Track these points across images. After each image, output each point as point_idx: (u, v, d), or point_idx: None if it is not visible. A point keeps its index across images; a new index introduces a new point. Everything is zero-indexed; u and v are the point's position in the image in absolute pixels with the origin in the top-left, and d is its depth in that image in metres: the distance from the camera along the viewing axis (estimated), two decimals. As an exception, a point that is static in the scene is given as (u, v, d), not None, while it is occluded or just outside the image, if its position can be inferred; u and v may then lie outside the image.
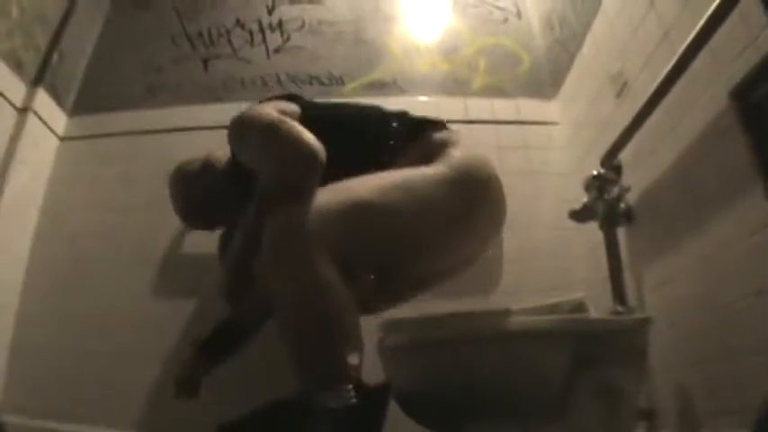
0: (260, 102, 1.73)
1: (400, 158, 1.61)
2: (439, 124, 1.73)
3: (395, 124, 1.71)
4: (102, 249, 2.58)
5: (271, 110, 1.60)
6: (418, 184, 1.49)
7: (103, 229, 2.62)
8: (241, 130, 1.65)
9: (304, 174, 1.41)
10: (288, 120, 1.51)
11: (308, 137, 1.43)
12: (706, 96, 1.65)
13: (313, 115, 1.65)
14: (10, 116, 2.54)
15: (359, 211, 1.40)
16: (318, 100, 1.94)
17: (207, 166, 2.00)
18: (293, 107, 1.68)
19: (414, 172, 1.53)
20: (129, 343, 2.36)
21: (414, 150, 1.63)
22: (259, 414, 1.16)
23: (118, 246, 2.59)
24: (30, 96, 2.64)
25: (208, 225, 2.12)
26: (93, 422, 2.21)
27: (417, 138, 1.67)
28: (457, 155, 1.59)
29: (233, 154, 1.80)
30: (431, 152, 1.60)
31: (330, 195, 1.39)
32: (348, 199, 1.40)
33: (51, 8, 2.85)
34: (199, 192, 2.01)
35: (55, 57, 2.81)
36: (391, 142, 1.65)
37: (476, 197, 1.58)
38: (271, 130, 1.50)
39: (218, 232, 2.30)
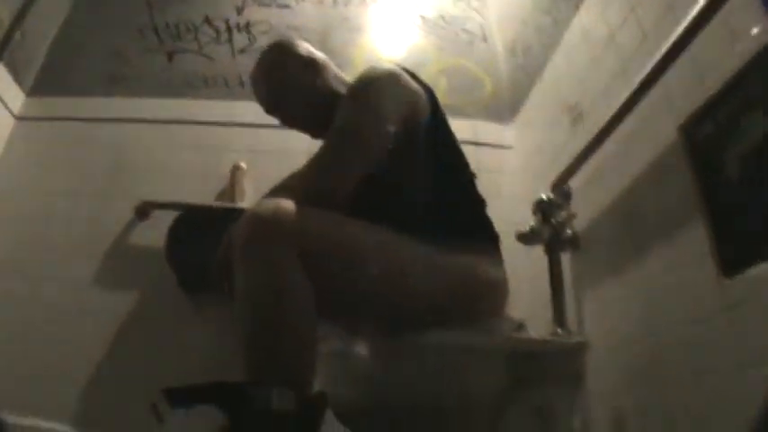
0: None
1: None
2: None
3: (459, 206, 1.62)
4: (47, 235, 2.55)
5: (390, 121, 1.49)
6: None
7: (50, 215, 2.59)
8: (364, 95, 1.53)
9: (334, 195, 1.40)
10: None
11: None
12: (656, 130, 1.69)
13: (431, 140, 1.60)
14: (-35, 90, 2.46)
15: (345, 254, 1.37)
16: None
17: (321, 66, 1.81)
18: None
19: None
20: (66, 331, 2.33)
21: None
22: (201, 388, 1.13)
23: (63, 232, 2.56)
24: (-12, 72, 2.57)
25: (290, 121, 1.84)
26: (24, 411, 2.14)
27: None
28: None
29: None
30: None
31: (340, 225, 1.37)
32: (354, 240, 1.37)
33: None
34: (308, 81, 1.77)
35: (18, 35, 2.75)
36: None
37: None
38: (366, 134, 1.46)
39: (165, 225, 2.29)
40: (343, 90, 1.68)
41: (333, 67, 1.83)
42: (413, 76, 1.64)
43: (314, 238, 1.29)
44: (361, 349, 1.48)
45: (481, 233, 1.61)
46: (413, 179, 1.53)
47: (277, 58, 1.78)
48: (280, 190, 1.61)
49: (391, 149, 1.46)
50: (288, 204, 1.29)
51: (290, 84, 1.74)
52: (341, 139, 1.45)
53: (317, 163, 1.45)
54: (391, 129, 1.46)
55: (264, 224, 1.26)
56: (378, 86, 1.52)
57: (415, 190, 1.53)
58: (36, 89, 2.92)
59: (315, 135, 1.81)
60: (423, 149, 1.56)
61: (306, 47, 1.82)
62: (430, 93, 1.66)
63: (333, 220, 1.35)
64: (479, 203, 1.68)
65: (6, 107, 2.73)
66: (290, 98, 1.74)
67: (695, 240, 1.48)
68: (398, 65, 1.65)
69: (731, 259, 1.37)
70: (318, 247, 1.29)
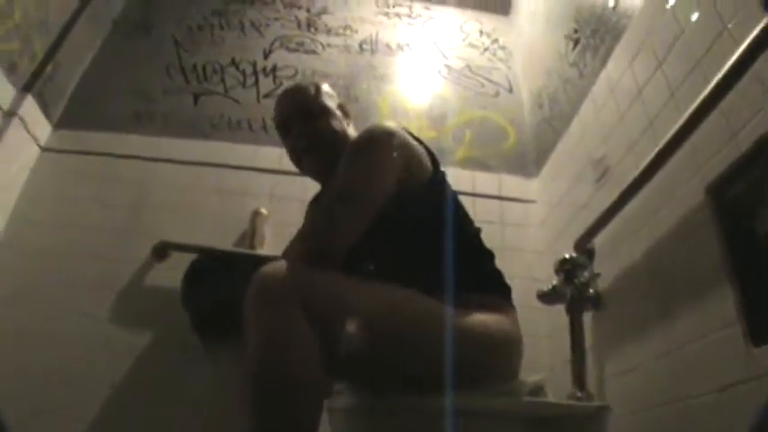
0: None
1: None
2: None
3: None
4: (64, 268, 2.52)
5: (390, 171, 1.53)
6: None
7: (69, 249, 2.57)
8: (363, 155, 1.55)
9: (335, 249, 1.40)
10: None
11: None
12: (684, 190, 1.65)
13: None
14: (-6, 117, 2.49)
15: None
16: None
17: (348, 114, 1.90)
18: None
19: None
20: (79, 367, 2.30)
21: None
22: None
23: (81, 267, 2.53)
24: (18, 101, 2.60)
25: (300, 146, 1.80)
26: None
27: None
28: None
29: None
30: None
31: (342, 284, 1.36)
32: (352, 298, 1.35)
33: (54, 17, 2.81)
34: (332, 116, 1.82)
35: (50, 67, 2.78)
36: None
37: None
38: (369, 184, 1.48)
39: (182, 267, 2.28)
40: None
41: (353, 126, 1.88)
42: (413, 136, 1.67)
43: (318, 298, 1.30)
44: (367, 408, 1.44)
45: (490, 285, 1.58)
46: (416, 236, 1.52)
47: (312, 87, 1.85)
48: (289, 247, 1.60)
49: (393, 207, 1.48)
50: (292, 266, 1.31)
51: (318, 108, 1.79)
52: (339, 199, 1.47)
53: (316, 223, 1.51)
54: (389, 188, 1.49)
55: (267, 286, 1.28)
56: (376, 146, 1.54)
57: (418, 246, 1.52)
58: (63, 122, 2.93)
59: (315, 172, 1.83)
60: (424, 207, 1.56)
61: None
62: (429, 152, 1.69)
63: (336, 279, 1.36)
64: (486, 255, 1.66)
65: (33, 137, 2.73)
66: (313, 121, 1.77)
67: (723, 305, 1.43)
68: (400, 125, 1.67)
69: (761, 327, 1.31)
70: (323, 306, 1.29)
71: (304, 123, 1.77)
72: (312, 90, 1.83)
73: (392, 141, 1.55)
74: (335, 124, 1.78)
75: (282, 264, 1.32)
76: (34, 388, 2.23)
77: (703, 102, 1.48)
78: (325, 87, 1.87)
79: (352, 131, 1.82)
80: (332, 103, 1.84)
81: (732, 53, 1.38)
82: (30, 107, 2.67)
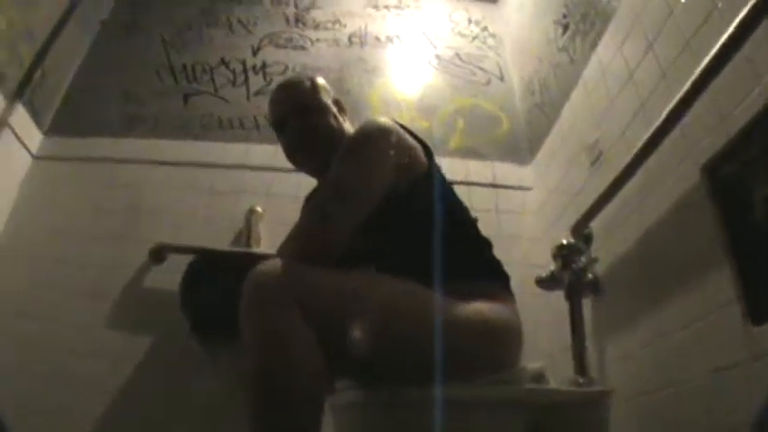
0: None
1: None
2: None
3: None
4: (61, 275, 2.52)
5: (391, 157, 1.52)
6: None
7: (65, 255, 2.56)
8: (358, 151, 1.54)
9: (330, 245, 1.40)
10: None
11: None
12: (678, 171, 1.65)
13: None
14: (-16, 129, 2.48)
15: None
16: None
17: (344, 110, 1.88)
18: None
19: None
20: (77, 372, 2.30)
21: None
22: None
23: (78, 273, 2.53)
24: (8, 111, 2.58)
25: (294, 141, 1.79)
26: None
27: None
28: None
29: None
30: None
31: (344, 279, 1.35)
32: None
33: (40, 24, 2.79)
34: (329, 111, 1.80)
35: (38, 74, 2.76)
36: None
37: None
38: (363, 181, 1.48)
39: (179, 269, 2.28)
40: None
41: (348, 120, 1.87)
42: (407, 130, 1.66)
43: (315, 293, 1.29)
44: (369, 401, 1.43)
45: (488, 274, 1.57)
46: (412, 229, 1.51)
47: (308, 81, 1.83)
48: (284, 244, 1.59)
49: (388, 202, 1.47)
50: (287, 263, 1.30)
51: (314, 104, 1.77)
52: (333, 196, 1.46)
53: (310, 220, 1.48)
54: (384, 184, 1.49)
55: (264, 284, 1.27)
56: (371, 142, 1.54)
57: (415, 239, 1.50)
58: (53, 129, 2.92)
59: (311, 168, 1.83)
60: (419, 200, 1.55)
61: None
62: (424, 145, 1.68)
63: (332, 274, 1.34)
64: (484, 245, 1.65)
65: (24, 146, 2.72)
66: (309, 118, 1.75)
67: (721, 285, 1.43)
68: (393, 119, 1.65)
69: (760, 306, 1.31)
70: (320, 302, 1.28)
71: (300, 119, 1.75)
72: (308, 84, 1.81)
73: (387, 137, 1.54)
74: (331, 120, 1.76)
75: (277, 261, 1.30)
76: (33, 394, 2.23)
77: (695, 83, 1.48)
78: (321, 81, 1.85)
79: (347, 126, 1.80)
80: (327, 97, 1.82)
81: (722, 33, 1.38)
82: (19, 116, 2.66)
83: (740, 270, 1.39)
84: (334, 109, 1.81)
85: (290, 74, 3.16)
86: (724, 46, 1.38)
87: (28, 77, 2.71)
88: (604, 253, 2.04)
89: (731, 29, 1.35)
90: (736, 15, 1.33)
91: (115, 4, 3.43)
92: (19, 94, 2.65)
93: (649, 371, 1.74)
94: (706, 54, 1.43)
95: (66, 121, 2.96)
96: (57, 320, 2.41)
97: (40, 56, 2.79)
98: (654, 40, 1.84)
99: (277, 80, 3.04)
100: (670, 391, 1.62)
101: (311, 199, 1.92)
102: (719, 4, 1.51)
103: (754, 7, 1.29)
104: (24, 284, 2.48)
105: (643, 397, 1.75)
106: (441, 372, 1.33)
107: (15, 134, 2.63)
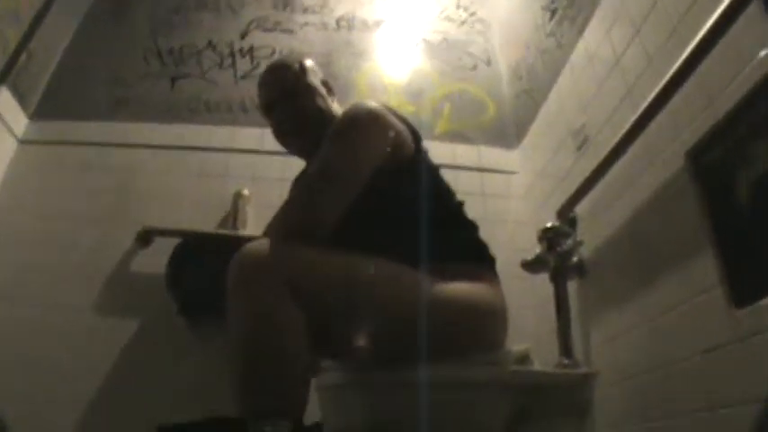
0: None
1: None
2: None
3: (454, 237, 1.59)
4: (48, 259, 2.50)
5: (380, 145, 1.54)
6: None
7: (51, 239, 2.55)
8: (346, 135, 1.54)
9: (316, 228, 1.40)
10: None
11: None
12: (663, 156, 1.66)
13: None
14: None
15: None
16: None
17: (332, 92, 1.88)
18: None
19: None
20: (65, 356, 2.29)
21: None
22: (198, 425, 1.11)
23: (65, 257, 2.51)
24: (-8, 95, 2.56)
25: (284, 124, 1.80)
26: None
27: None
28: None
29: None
30: None
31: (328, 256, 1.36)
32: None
33: (25, 7, 2.75)
34: (318, 94, 1.81)
35: (23, 57, 2.72)
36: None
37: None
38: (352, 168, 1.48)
39: (166, 252, 2.29)
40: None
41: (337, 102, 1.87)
42: (395, 114, 1.66)
43: (302, 273, 1.29)
44: (356, 381, 1.45)
45: (475, 256, 1.58)
46: (399, 211, 1.52)
47: (297, 64, 1.82)
48: (270, 224, 1.60)
49: (376, 185, 1.48)
50: (275, 243, 1.31)
51: (302, 87, 1.77)
52: (320, 179, 1.47)
53: (297, 201, 1.51)
54: (371, 167, 1.50)
55: (251, 263, 1.28)
56: (359, 126, 1.54)
57: (401, 220, 1.51)
58: (39, 113, 2.89)
59: (300, 151, 1.84)
60: (407, 183, 1.57)
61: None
62: (411, 129, 1.68)
63: (320, 254, 1.35)
64: (470, 227, 1.66)
65: (10, 130, 2.70)
66: (297, 100, 1.75)
67: (705, 269, 1.45)
68: (381, 103, 1.66)
69: (743, 289, 1.33)
70: (308, 282, 1.29)
71: (288, 102, 1.75)
72: (296, 67, 1.81)
73: (375, 121, 1.55)
74: (320, 102, 1.76)
75: (264, 242, 1.32)
76: (22, 378, 2.22)
77: (680, 68, 1.49)
78: (309, 63, 1.85)
79: (336, 108, 1.81)
80: (316, 79, 1.82)
81: (708, 18, 1.39)
82: (4, 100, 2.63)
83: (723, 254, 1.40)
84: (323, 90, 1.81)
85: (277, 57, 3.14)
86: (709, 31, 1.39)
87: (13, 61, 2.67)
88: (590, 236, 2.06)
89: (716, 13, 1.36)
90: (722, 1, 1.35)
91: (102, -14, 3.38)
92: (3, 77, 2.61)
93: (635, 353, 1.76)
94: (692, 40, 1.45)
95: (52, 104, 2.93)
96: (43, 304, 2.40)
97: (26, 39, 2.74)
98: (641, 25, 1.85)
99: (264, 63, 3.02)
100: (657, 373, 1.64)
101: (299, 180, 1.93)
102: (706, -11, 1.52)
103: (740, -8, 1.30)
104: (10, 268, 2.46)
105: (628, 379, 1.77)
106: (426, 352, 1.35)
107: (0, 118, 2.61)
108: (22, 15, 2.74)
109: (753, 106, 1.32)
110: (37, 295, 2.42)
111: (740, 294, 1.33)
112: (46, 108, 2.91)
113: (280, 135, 1.81)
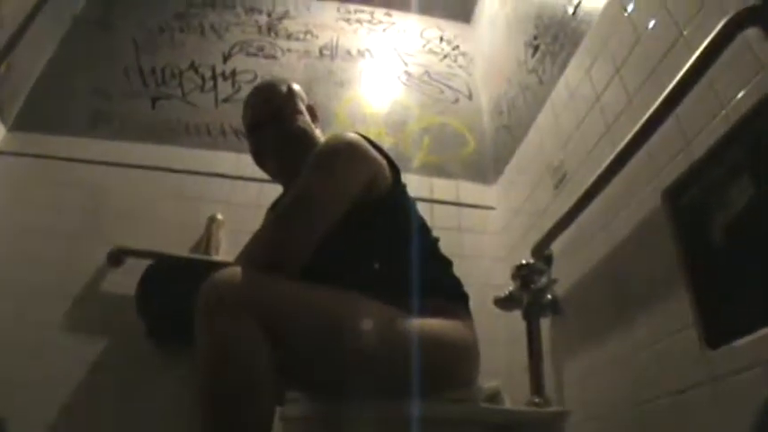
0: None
1: None
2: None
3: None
4: (16, 273, 2.45)
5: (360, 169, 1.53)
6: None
7: (22, 253, 2.50)
8: (324, 164, 1.52)
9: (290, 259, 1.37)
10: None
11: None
12: (640, 195, 1.66)
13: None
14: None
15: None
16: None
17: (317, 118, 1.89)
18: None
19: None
20: (32, 374, 2.24)
21: None
22: None
23: (34, 272, 2.46)
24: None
25: (266, 145, 1.79)
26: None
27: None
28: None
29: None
30: None
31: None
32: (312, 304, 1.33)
33: (9, 17, 2.71)
34: (302, 118, 1.81)
35: (3, 67, 2.68)
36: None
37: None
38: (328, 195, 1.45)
39: (138, 273, 2.27)
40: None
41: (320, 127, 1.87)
42: (374, 146, 1.65)
43: (271, 305, 1.26)
44: (324, 415, 1.42)
45: (446, 292, 1.57)
46: (373, 244, 1.51)
47: (285, 86, 1.83)
48: (243, 252, 1.57)
49: (352, 217, 1.45)
50: (246, 271, 1.27)
51: (289, 110, 1.77)
52: (297, 205, 1.44)
53: (272, 230, 1.45)
54: (348, 197, 1.47)
55: (220, 292, 1.24)
56: (339, 155, 1.52)
57: (376, 255, 1.50)
58: (18, 124, 2.85)
59: (278, 174, 1.82)
60: (384, 216, 1.55)
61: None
62: (390, 161, 1.67)
63: (290, 287, 1.32)
64: (444, 264, 1.65)
65: (-14, 141, 2.65)
66: (283, 123, 1.74)
67: (679, 309, 1.45)
68: (360, 134, 1.65)
69: (716, 330, 1.33)
70: (276, 314, 1.26)
71: (273, 123, 1.75)
72: (284, 89, 1.81)
73: (354, 151, 1.54)
74: (305, 126, 1.76)
75: (235, 270, 1.28)
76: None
77: (659, 108, 1.50)
78: (297, 87, 1.86)
79: (319, 134, 1.80)
80: (302, 104, 1.82)
81: (687, 60, 1.40)
82: (-18, 109, 2.59)
83: (697, 295, 1.40)
84: (308, 116, 1.81)
85: (257, 83, 3.13)
86: (688, 73, 1.40)
87: (-8, 71, 2.64)
88: (565, 274, 2.05)
89: (695, 56, 1.37)
90: (701, 42, 1.36)
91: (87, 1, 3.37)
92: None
93: (607, 392, 1.75)
94: (671, 81, 1.45)
95: (31, 117, 2.88)
96: (11, 320, 2.34)
97: (8, 48, 2.71)
98: (621, 65, 1.86)
99: (246, 88, 3.02)
100: (629, 413, 1.63)
101: (275, 207, 1.91)
102: (685, 32, 1.54)
103: (718, 35, 1.31)
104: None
105: (600, 419, 1.76)
106: (397, 387, 1.32)
107: (-22, 129, 2.56)
108: (7, 24, 2.70)
109: (729, 148, 1.33)
110: (4, 309, 2.36)
111: (714, 335, 1.33)
112: (25, 120, 2.87)
113: (259, 156, 1.79)
